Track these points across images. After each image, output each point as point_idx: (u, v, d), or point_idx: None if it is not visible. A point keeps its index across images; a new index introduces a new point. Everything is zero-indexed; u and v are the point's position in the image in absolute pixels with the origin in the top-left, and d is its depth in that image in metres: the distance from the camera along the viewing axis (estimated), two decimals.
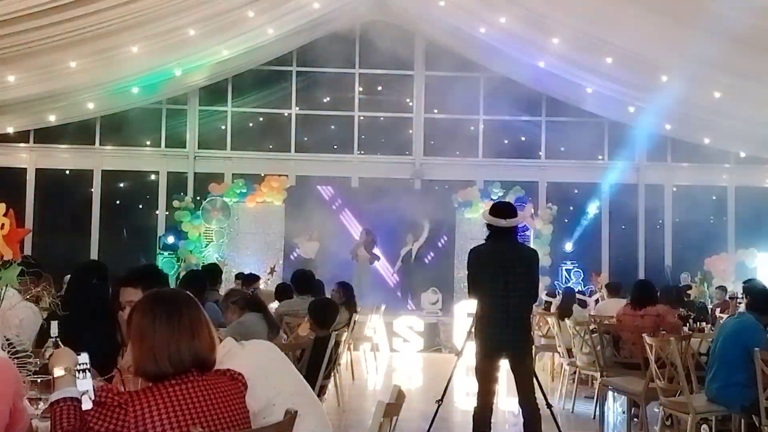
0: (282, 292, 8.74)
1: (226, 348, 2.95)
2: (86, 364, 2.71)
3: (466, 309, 12.11)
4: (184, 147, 16.58)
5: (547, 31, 13.02)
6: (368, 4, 14.54)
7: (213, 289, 7.45)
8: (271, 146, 16.99)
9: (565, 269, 15.63)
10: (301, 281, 8.34)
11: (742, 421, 5.46)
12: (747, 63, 11.53)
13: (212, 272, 7.95)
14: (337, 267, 14.61)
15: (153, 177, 16.73)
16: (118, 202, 17.03)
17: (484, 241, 5.92)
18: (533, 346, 6.51)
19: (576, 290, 12.08)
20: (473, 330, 5.92)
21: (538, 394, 5.77)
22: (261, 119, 17.20)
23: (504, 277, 5.62)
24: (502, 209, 5.86)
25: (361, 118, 16.85)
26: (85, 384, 2.63)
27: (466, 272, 5.89)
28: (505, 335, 5.64)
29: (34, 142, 16.23)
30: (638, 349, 6.76)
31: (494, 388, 5.77)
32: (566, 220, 16.40)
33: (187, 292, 2.76)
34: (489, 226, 5.82)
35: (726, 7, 9.90)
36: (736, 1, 9.63)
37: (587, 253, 16.31)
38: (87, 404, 2.53)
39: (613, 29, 11.97)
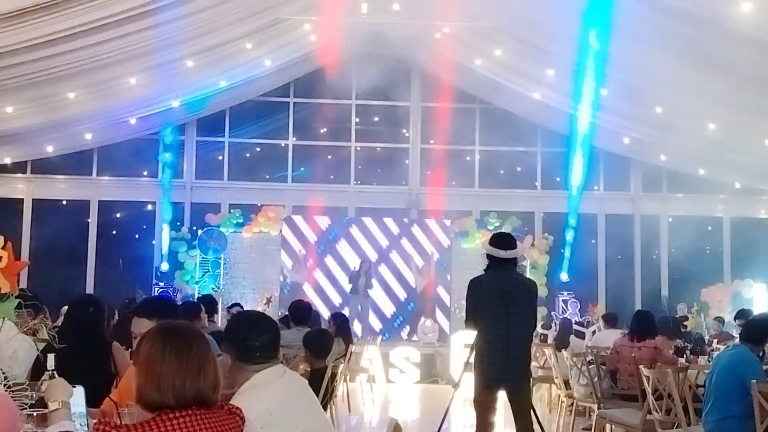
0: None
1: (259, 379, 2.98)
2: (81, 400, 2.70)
3: (463, 339, 12.07)
4: (181, 177, 16.61)
5: (542, 63, 13.14)
6: (365, 37, 14.66)
7: (210, 320, 7.43)
8: (267, 176, 17.03)
9: (562, 300, 15.62)
10: (297, 312, 8.30)
11: None
12: (741, 95, 11.63)
13: (208, 303, 7.93)
14: (333, 297, 14.66)
15: (150, 207, 16.73)
16: (114, 232, 17.02)
17: (483, 272, 5.92)
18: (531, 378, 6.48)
19: (574, 321, 12.06)
20: (473, 360, 5.88)
21: (536, 427, 5.74)
22: (258, 149, 17.25)
23: (506, 308, 5.62)
24: (502, 240, 5.87)
25: (358, 148, 16.92)
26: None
27: (466, 302, 5.87)
28: (506, 366, 5.61)
29: (32, 173, 16.25)
30: (635, 380, 6.74)
31: (494, 419, 5.74)
32: (562, 251, 16.43)
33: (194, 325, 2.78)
34: (489, 256, 5.82)
35: (723, 41, 10.00)
36: (732, 35, 9.71)
37: (583, 284, 16.31)
38: None
39: (608, 62, 12.07)
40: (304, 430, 2.94)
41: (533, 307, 5.85)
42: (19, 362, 4.45)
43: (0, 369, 3.37)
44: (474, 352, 5.86)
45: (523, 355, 5.75)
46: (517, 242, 6.03)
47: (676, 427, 5.69)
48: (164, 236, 15.81)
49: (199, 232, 15.47)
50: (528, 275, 14.81)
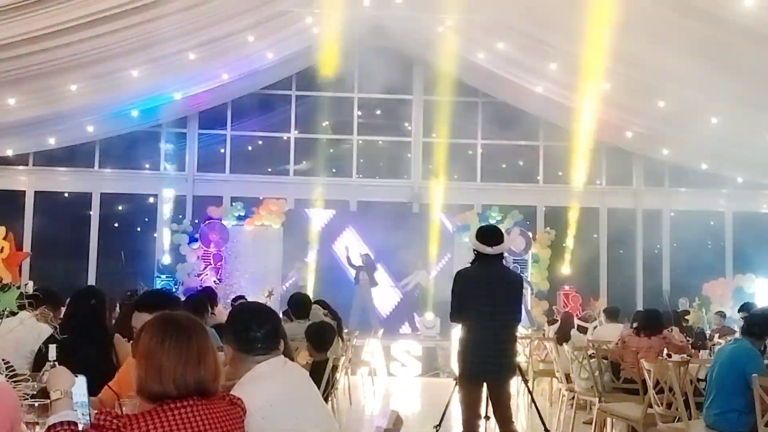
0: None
1: (259, 371, 2.97)
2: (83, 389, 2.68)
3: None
4: (183, 170, 16.61)
5: (545, 56, 13.11)
6: (367, 30, 14.63)
7: (212, 313, 7.44)
8: (269, 169, 17.02)
9: (563, 294, 15.61)
10: (297, 306, 8.29)
11: None
12: (745, 90, 11.60)
13: (211, 296, 7.94)
14: (336, 291, 14.62)
15: (151, 200, 16.74)
16: (116, 224, 17.02)
17: (469, 265, 5.93)
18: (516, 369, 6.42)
19: (576, 315, 12.03)
20: (457, 353, 5.91)
21: (537, 421, 5.75)
22: (260, 143, 17.24)
23: (492, 301, 5.65)
24: (488, 235, 5.87)
25: (360, 142, 16.91)
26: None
27: (451, 295, 5.87)
28: (491, 359, 5.64)
29: (34, 165, 16.26)
30: (639, 372, 6.73)
31: (480, 411, 5.75)
32: (564, 245, 16.42)
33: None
34: (475, 250, 5.85)
35: (726, 35, 9.96)
36: (736, 29, 9.68)
37: (585, 278, 16.30)
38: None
39: (611, 55, 12.04)
40: (305, 421, 2.94)
41: (518, 300, 5.89)
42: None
43: (2, 359, 3.38)
44: (460, 344, 5.88)
45: (508, 349, 5.77)
46: (504, 235, 6.05)
47: (677, 421, 5.69)
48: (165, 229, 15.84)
49: (201, 224, 15.49)
50: (530, 269, 14.86)
